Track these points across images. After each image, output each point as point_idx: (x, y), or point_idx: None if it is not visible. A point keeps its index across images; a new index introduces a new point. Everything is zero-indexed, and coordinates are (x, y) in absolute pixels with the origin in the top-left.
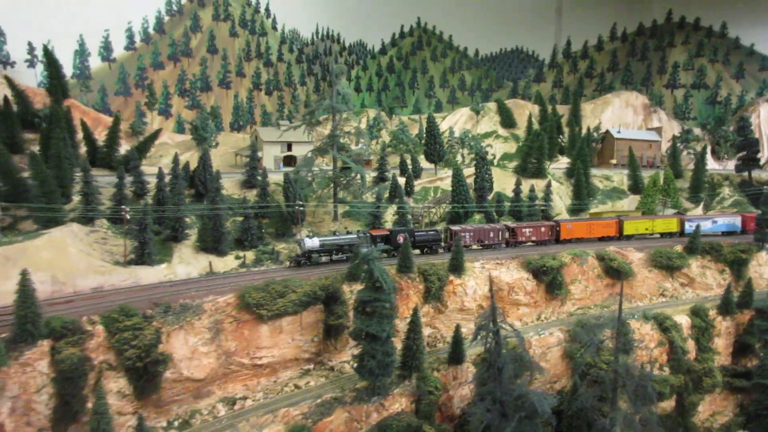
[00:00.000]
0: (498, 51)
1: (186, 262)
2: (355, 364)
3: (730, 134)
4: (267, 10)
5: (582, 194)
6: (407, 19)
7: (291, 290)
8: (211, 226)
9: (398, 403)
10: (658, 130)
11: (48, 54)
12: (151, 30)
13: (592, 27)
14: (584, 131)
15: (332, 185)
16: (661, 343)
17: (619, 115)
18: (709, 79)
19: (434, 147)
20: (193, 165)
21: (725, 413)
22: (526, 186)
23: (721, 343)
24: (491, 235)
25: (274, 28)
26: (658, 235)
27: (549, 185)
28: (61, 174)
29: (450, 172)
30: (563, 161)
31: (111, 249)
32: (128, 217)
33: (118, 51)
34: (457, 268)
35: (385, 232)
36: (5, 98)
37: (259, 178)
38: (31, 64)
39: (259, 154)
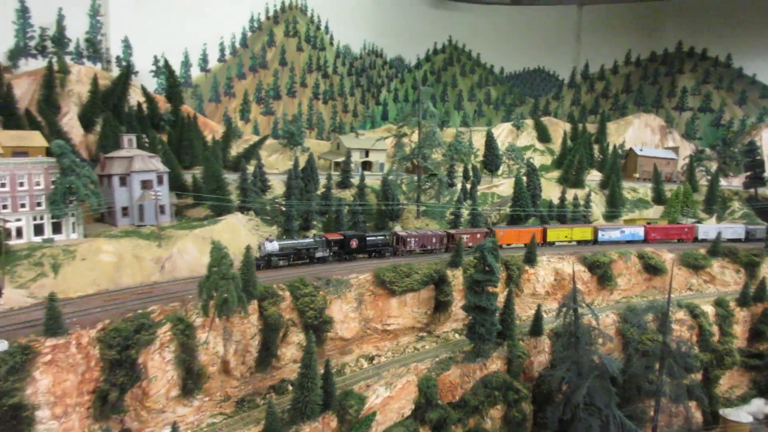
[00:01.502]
0: (521, 69)
1: None
2: (465, 332)
3: (738, 155)
4: (326, 27)
5: (616, 203)
6: (440, 37)
7: (414, 272)
8: (335, 217)
9: (495, 364)
10: (675, 150)
11: (168, 65)
12: (237, 44)
13: (609, 52)
14: (610, 148)
15: (417, 188)
16: (692, 327)
17: (639, 134)
18: (714, 104)
19: (491, 158)
20: (282, 166)
21: (741, 387)
22: (567, 195)
23: (739, 329)
24: (433, 240)
25: (332, 43)
26: (575, 242)
27: (589, 194)
28: (216, 171)
29: (503, 181)
30: (595, 174)
31: (263, 234)
32: (283, 208)
33: (212, 63)
34: (531, 260)
35: (339, 237)
36: (138, 104)
37: (353, 180)
38: (156, 74)
39: (341, 158)
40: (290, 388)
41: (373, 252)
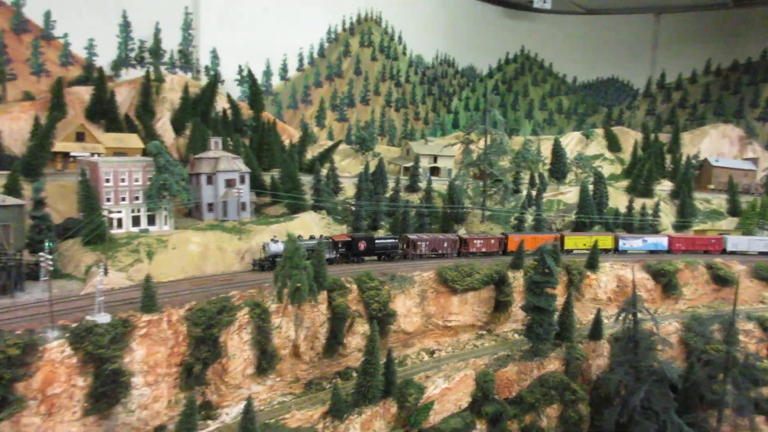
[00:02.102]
0: (594, 79)
1: None
2: (524, 332)
3: None
4: (400, 38)
5: (686, 213)
6: (512, 47)
7: (476, 272)
8: (402, 219)
9: (553, 364)
10: (755, 161)
11: (251, 74)
12: (315, 55)
13: (687, 61)
14: (684, 158)
15: (482, 193)
16: (761, 340)
17: (716, 145)
18: None
19: (558, 166)
20: (354, 170)
21: None
22: (635, 204)
23: None
24: (445, 245)
25: (405, 53)
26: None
27: (658, 204)
28: (293, 172)
29: (569, 188)
30: (666, 184)
31: (333, 232)
32: (353, 208)
33: (292, 72)
34: (593, 265)
35: (347, 239)
36: (224, 110)
37: (420, 184)
38: (240, 82)
39: (410, 164)
40: (354, 374)
41: (382, 255)
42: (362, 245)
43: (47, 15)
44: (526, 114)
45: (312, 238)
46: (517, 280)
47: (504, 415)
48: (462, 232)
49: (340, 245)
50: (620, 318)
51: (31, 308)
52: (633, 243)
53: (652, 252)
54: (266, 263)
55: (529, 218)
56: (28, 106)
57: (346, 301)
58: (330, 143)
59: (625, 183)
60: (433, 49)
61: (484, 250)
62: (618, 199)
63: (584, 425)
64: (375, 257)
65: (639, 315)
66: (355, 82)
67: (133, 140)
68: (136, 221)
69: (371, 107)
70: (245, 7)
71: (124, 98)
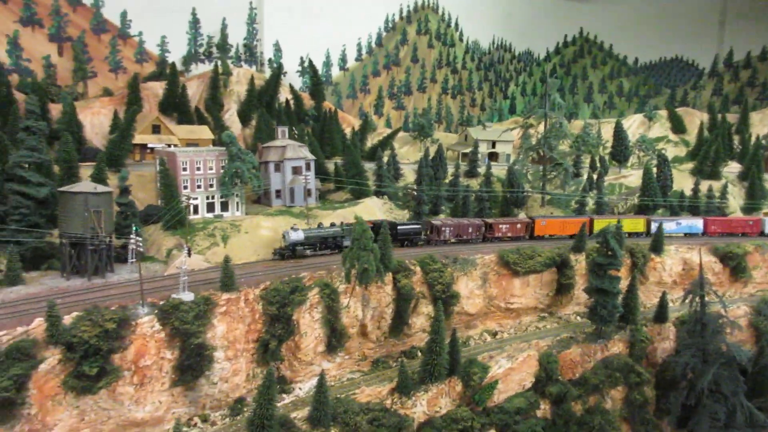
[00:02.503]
0: (657, 59)
1: None
2: (587, 314)
3: None
4: (456, 24)
5: (756, 195)
6: (571, 29)
7: (537, 254)
8: (462, 203)
9: (617, 346)
10: None
11: (312, 66)
12: (373, 44)
13: (756, 38)
14: (753, 139)
15: (542, 177)
16: None
17: None
18: None
19: (620, 149)
20: (413, 157)
21: None
22: (701, 186)
23: None
24: (470, 230)
25: (461, 40)
26: (626, 234)
27: (726, 186)
28: (356, 159)
29: (631, 172)
30: (734, 166)
31: (395, 216)
32: (415, 193)
33: (350, 62)
34: (657, 248)
35: (368, 225)
36: (287, 100)
37: (479, 169)
38: (301, 73)
39: (468, 149)
40: (419, 354)
41: (405, 241)
42: None
43: (123, 15)
44: (585, 98)
45: (333, 225)
46: (580, 263)
47: (568, 396)
48: (522, 215)
49: None
50: (687, 301)
51: (121, 287)
52: (667, 225)
53: (686, 235)
54: (287, 252)
55: (591, 202)
56: (107, 101)
57: (411, 283)
58: (388, 131)
59: (690, 165)
60: (490, 35)
61: (510, 234)
62: (683, 181)
63: (650, 408)
64: (398, 244)
65: (706, 298)
66: (412, 70)
67: (204, 131)
68: (210, 207)
69: (428, 95)
70: (305, 0)
71: (194, 92)
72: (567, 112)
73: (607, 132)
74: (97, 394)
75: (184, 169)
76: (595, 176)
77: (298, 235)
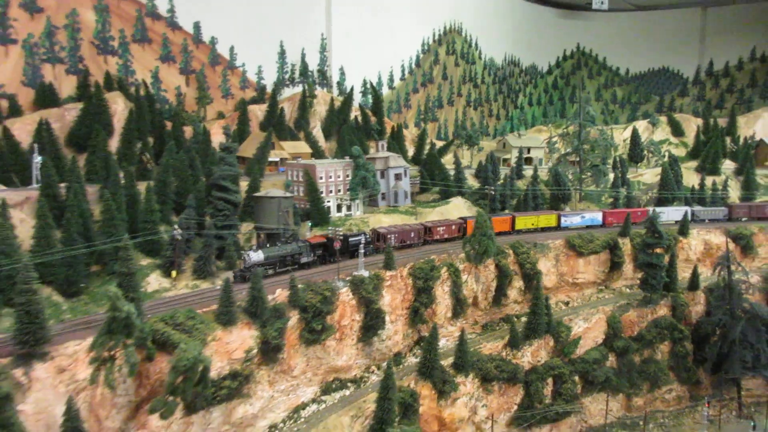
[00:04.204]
0: (646, 70)
1: None
2: (638, 284)
3: None
4: (476, 44)
5: (751, 187)
6: (569, 44)
7: (596, 239)
8: (523, 199)
9: (662, 310)
10: None
11: (372, 86)
12: (413, 65)
13: (733, 50)
14: (742, 140)
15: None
16: None
17: None
18: None
19: (636, 151)
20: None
21: None
22: (705, 181)
23: None
24: (411, 235)
25: (480, 57)
26: (540, 230)
27: (726, 180)
28: (440, 165)
29: (646, 171)
30: (728, 164)
31: (473, 213)
32: (492, 192)
33: (396, 81)
34: (683, 232)
35: (322, 240)
36: (355, 117)
37: (524, 172)
38: (363, 93)
39: (507, 155)
40: (515, 319)
41: (355, 252)
42: (338, 245)
43: (231, 49)
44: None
45: (287, 243)
46: (626, 245)
47: (629, 349)
48: (568, 209)
49: (317, 247)
50: (716, 271)
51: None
52: (573, 219)
53: (588, 227)
54: (247, 273)
55: (622, 196)
56: (221, 122)
57: (508, 263)
58: (440, 142)
59: (690, 164)
60: (502, 52)
61: (446, 236)
62: (688, 177)
63: (689, 358)
64: (349, 255)
65: (731, 267)
66: (442, 86)
67: (303, 146)
68: (338, 208)
69: (455, 107)
70: (362, 30)
71: (286, 112)
72: (600, 122)
73: (616, 137)
74: (316, 346)
75: (321, 178)
76: (620, 175)
77: (258, 256)
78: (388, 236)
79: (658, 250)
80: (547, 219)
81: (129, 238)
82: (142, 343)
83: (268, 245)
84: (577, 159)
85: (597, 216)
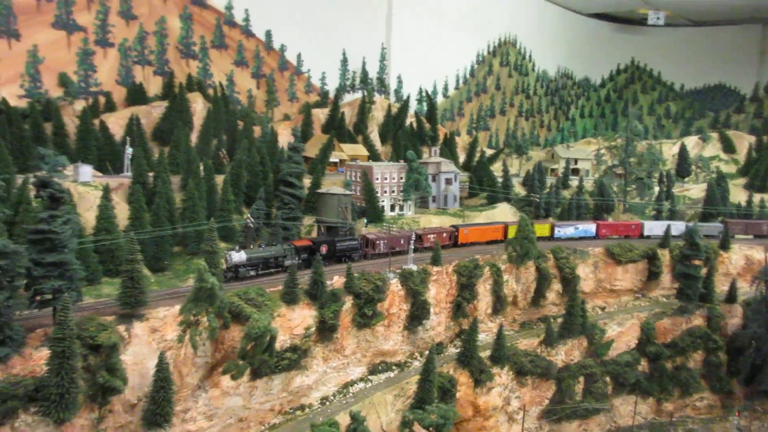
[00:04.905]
0: (702, 85)
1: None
2: (675, 294)
3: None
4: (530, 56)
5: None
6: (623, 58)
7: (634, 249)
8: (567, 208)
9: (697, 320)
10: None
11: (428, 94)
12: (467, 75)
13: None
14: None
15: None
16: None
17: None
18: None
19: (684, 166)
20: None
21: None
22: (753, 198)
23: None
24: (401, 241)
25: (533, 69)
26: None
27: None
28: (489, 172)
29: (692, 186)
30: None
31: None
32: (537, 200)
33: (450, 90)
34: (725, 246)
35: (308, 243)
36: (411, 124)
37: (570, 182)
38: (419, 101)
39: (555, 166)
40: (551, 320)
41: (342, 257)
42: (324, 249)
43: (299, 56)
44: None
45: (272, 245)
46: (665, 256)
47: (662, 355)
48: (610, 220)
49: (302, 251)
50: (754, 285)
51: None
52: (566, 230)
53: (581, 238)
54: (229, 273)
55: (665, 210)
56: (286, 124)
57: (548, 266)
58: (491, 150)
59: (740, 181)
60: (555, 65)
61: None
62: (736, 194)
63: (722, 369)
64: (336, 260)
65: None
66: (495, 97)
67: (361, 149)
68: (392, 208)
69: (507, 117)
70: (420, 41)
71: (345, 116)
72: (649, 136)
73: (665, 151)
74: (366, 330)
75: (377, 179)
76: (665, 188)
77: (240, 257)
78: (377, 242)
79: (696, 262)
80: (540, 229)
81: (213, 222)
82: (220, 313)
83: (323, 234)
84: (623, 172)
85: (591, 228)
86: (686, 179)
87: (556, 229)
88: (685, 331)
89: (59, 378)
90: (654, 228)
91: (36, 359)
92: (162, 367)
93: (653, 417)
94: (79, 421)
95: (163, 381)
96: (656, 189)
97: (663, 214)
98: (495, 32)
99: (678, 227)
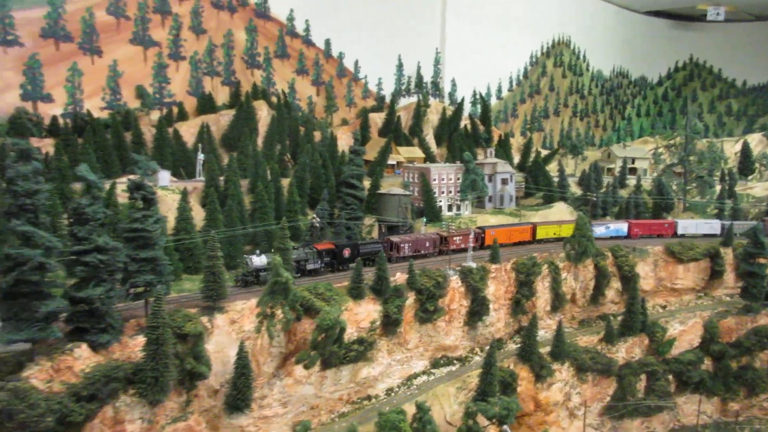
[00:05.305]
0: (765, 81)
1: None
2: (739, 293)
3: None
4: (584, 56)
5: None
6: (681, 55)
7: (696, 247)
8: (625, 206)
9: (763, 320)
10: None
11: (482, 97)
12: (521, 77)
13: None
14: None
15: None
16: None
17: None
18: None
19: (746, 164)
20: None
21: None
22: None
23: None
24: (426, 244)
25: (588, 69)
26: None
27: None
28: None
29: (757, 184)
30: None
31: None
32: (594, 198)
33: (504, 92)
34: None
35: (330, 247)
36: (465, 126)
37: (627, 181)
38: (473, 103)
39: (612, 165)
40: (611, 318)
41: (366, 260)
42: (347, 252)
43: (356, 63)
44: (695, 117)
45: (294, 248)
46: (728, 254)
47: (726, 355)
48: (670, 218)
49: (325, 254)
50: None
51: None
52: (598, 230)
53: (613, 237)
54: (250, 277)
55: (727, 208)
56: (345, 128)
57: (606, 264)
58: (545, 151)
59: None
60: (610, 64)
61: (463, 246)
62: None
63: None
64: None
65: None
66: (549, 97)
67: (417, 152)
68: (449, 208)
69: (561, 118)
70: (473, 44)
71: (401, 120)
72: (708, 134)
73: (727, 149)
74: (428, 324)
75: (434, 180)
76: (727, 187)
77: (260, 261)
78: (402, 246)
79: (761, 260)
80: (568, 229)
81: (285, 222)
82: (293, 306)
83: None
84: (683, 170)
85: (623, 227)
86: (750, 177)
87: None
88: (750, 331)
89: (154, 363)
90: (689, 227)
91: (132, 347)
92: (242, 355)
93: (719, 416)
94: (170, 403)
95: (243, 368)
96: (718, 187)
97: (725, 213)
98: (548, 33)
99: (713, 226)
